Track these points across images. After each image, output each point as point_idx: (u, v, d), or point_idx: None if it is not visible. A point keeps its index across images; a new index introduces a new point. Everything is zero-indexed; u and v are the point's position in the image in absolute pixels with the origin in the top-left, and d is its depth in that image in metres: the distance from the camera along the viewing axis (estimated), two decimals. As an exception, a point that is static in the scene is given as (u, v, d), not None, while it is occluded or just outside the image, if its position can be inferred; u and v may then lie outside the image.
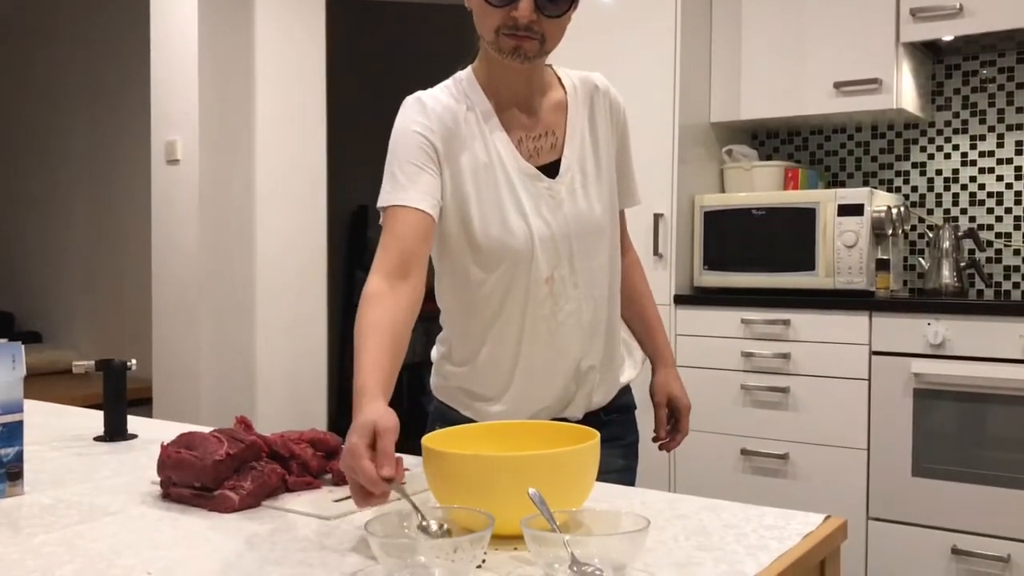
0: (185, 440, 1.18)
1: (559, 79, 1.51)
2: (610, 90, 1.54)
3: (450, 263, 1.46)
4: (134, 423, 1.64)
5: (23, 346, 1.24)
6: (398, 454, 1.02)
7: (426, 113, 1.41)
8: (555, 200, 1.43)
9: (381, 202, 1.37)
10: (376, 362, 1.17)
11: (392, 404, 1.10)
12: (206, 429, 1.26)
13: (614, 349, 1.56)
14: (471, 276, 1.44)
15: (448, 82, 1.48)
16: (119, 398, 1.57)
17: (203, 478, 1.13)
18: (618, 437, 1.58)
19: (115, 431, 1.56)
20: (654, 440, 1.65)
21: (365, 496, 1.00)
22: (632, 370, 1.65)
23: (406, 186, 1.35)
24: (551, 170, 1.44)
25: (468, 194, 1.40)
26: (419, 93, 1.45)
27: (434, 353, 1.59)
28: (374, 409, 1.06)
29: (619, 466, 1.56)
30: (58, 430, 1.65)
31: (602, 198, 1.49)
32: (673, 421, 1.67)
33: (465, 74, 1.48)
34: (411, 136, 1.39)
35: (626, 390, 1.63)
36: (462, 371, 1.51)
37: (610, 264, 1.52)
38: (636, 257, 1.69)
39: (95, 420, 1.70)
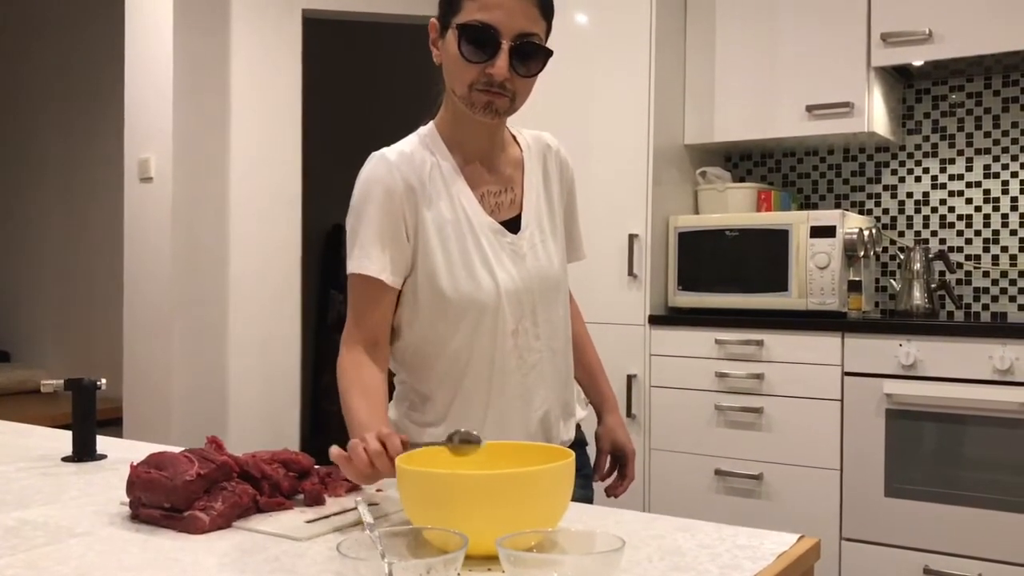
0: (155, 460, 1.17)
1: (514, 137, 1.56)
2: (560, 150, 1.60)
3: (417, 320, 1.46)
4: (103, 443, 1.61)
5: (-10, 364, 1.22)
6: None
7: (392, 173, 1.42)
8: (518, 255, 1.47)
9: (348, 267, 1.43)
10: (371, 410, 1.31)
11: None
12: (177, 449, 1.25)
13: (571, 396, 1.61)
14: (439, 331, 1.45)
15: (412, 138, 1.50)
16: (88, 418, 1.55)
17: (173, 499, 1.11)
18: (577, 469, 1.60)
19: (84, 451, 1.54)
20: (606, 490, 1.69)
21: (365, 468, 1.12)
22: (582, 410, 1.68)
23: (372, 255, 1.40)
24: (511, 225, 1.48)
25: (435, 250, 1.43)
26: (384, 150, 1.46)
27: (393, 414, 1.56)
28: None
29: (579, 496, 1.58)
30: (25, 450, 1.62)
31: (559, 253, 1.54)
32: (618, 467, 1.70)
33: (428, 129, 1.51)
34: (378, 199, 1.41)
35: (577, 426, 1.66)
36: (438, 431, 1.48)
37: (565, 316, 1.57)
38: (576, 304, 1.72)
39: (63, 440, 1.67)
